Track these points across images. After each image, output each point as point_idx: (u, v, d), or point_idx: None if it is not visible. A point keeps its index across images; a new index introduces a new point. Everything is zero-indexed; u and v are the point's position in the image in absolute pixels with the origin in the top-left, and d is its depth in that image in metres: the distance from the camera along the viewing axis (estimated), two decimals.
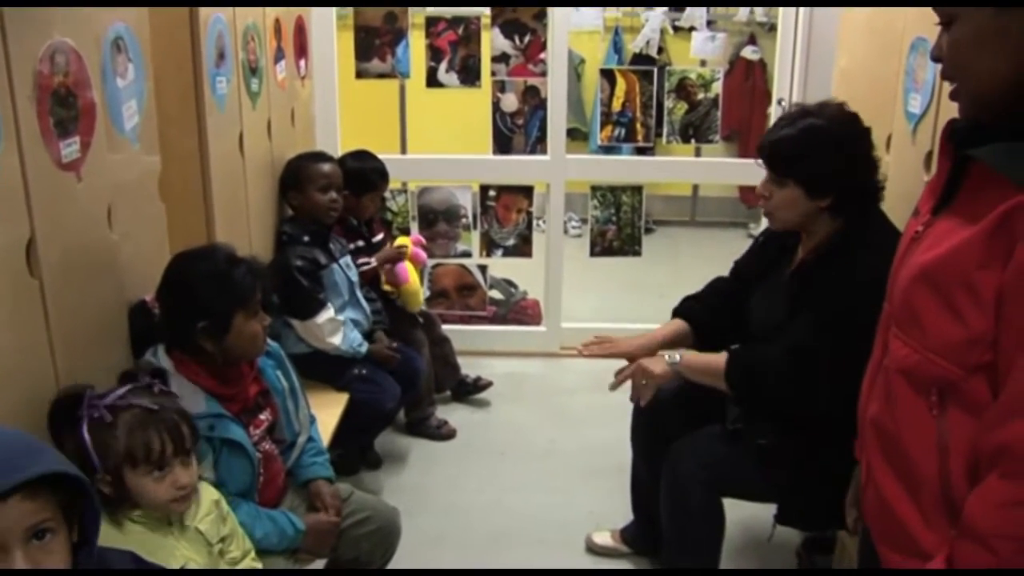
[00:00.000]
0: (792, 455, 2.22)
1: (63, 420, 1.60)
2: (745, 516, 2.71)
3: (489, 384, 3.93)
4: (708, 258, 6.06)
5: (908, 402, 1.41)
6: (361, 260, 3.37)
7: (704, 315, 2.55)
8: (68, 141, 1.74)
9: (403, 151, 4.50)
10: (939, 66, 2.19)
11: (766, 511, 2.42)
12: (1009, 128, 1.29)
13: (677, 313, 2.61)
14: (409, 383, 3.25)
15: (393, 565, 2.34)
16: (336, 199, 3.13)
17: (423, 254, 3.77)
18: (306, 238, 3.04)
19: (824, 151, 2.13)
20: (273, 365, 2.18)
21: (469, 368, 3.98)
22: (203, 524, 1.72)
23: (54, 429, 1.61)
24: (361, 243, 3.43)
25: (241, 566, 1.79)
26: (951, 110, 2.14)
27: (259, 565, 1.85)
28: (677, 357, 2.36)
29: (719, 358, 2.28)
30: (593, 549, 2.90)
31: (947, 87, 2.15)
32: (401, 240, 3.70)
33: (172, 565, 1.60)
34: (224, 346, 1.95)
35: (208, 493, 1.78)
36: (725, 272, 2.63)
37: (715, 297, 2.59)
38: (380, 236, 3.59)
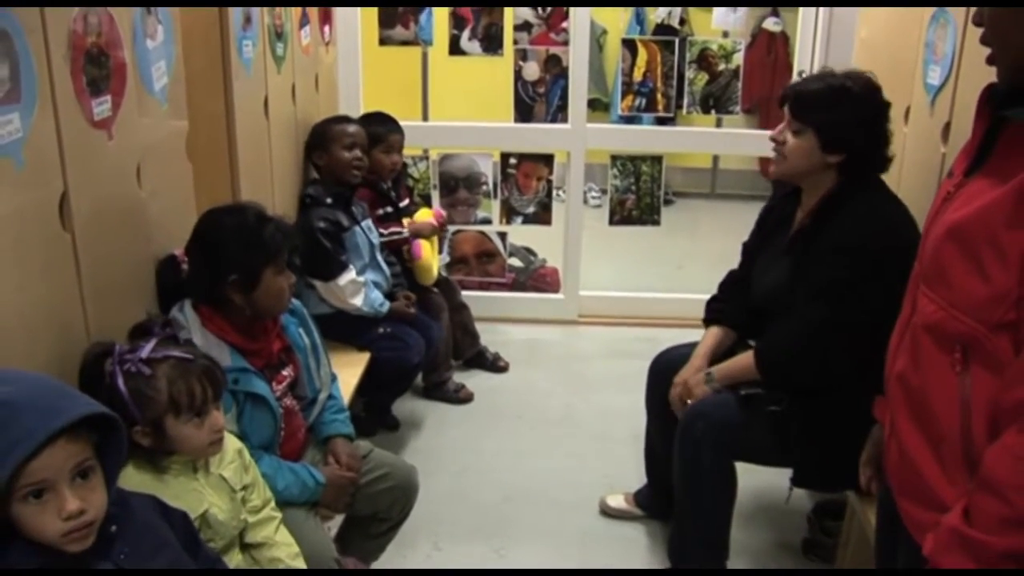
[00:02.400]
0: (805, 420, 2.26)
1: (94, 376, 1.65)
2: (758, 483, 2.75)
3: (506, 368, 3.96)
4: (727, 230, 6.03)
5: (933, 358, 1.43)
6: (392, 228, 3.41)
7: (737, 314, 2.59)
8: (100, 99, 1.78)
9: (425, 118, 4.52)
10: (958, 38, 2.20)
11: (778, 478, 2.46)
12: None
13: (710, 322, 2.65)
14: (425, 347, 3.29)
15: (409, 522, 2.40)
16: (360, 157, 3.18)
17: (419, 248, 3.54)
18: (329, 200, 3.08)
19: (848, 110, 2.22)
20: (296, 323, 2.23)
21: (488, 334, 4.03)
22: (227, 471, 1.78)
23: (85, 386, 1.64)
24: (389, 209, 3.46)
25: (261, 515, 1.85)
26: (970, 82, 2.17)
27: (278, 514, 1.91)
28: (712, 372, 2.45)
29: (748, 361, 2.37)
30: (606, 511, 2.95)
31: (968, 59, 2.18)
32: (423, 213, 3.68)
33: (199, 509, 1.66)
34: (252, 299, 1.99)
35: (232, 442, 1.83)
36: (742, 243, 2.67)
37: (736, 290, 2.63)
38: (406, 202, 3.63)
